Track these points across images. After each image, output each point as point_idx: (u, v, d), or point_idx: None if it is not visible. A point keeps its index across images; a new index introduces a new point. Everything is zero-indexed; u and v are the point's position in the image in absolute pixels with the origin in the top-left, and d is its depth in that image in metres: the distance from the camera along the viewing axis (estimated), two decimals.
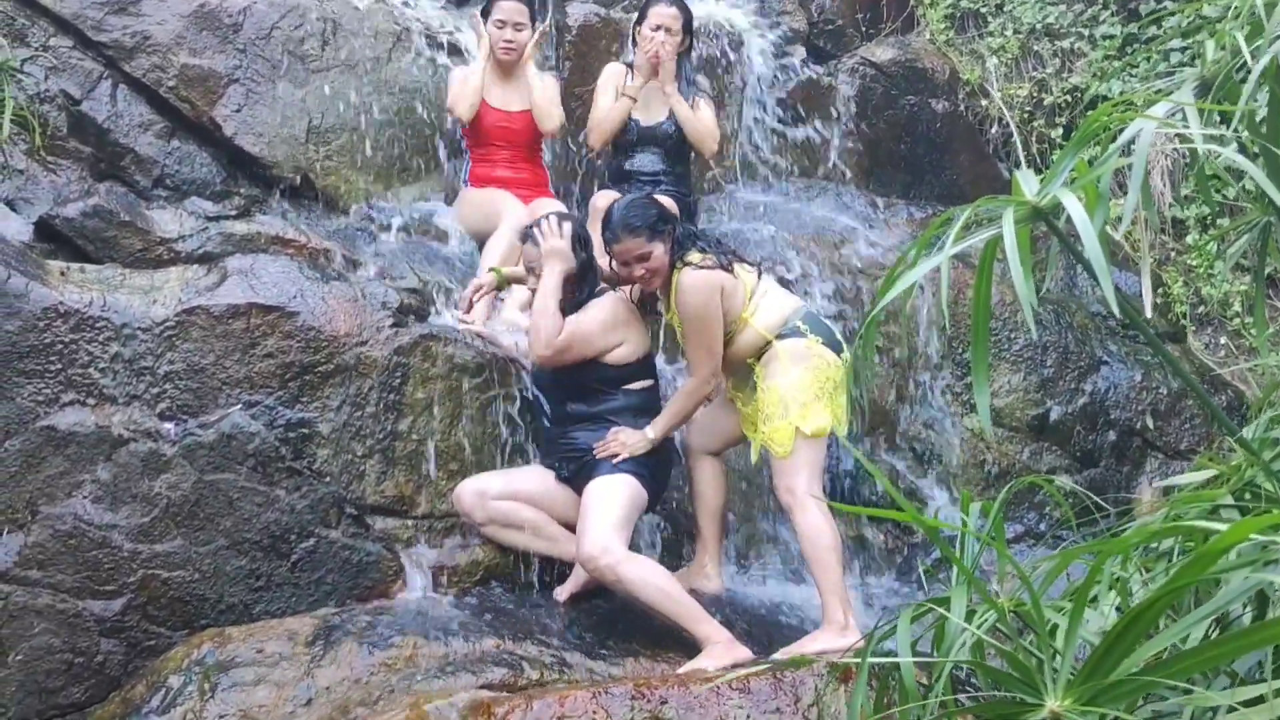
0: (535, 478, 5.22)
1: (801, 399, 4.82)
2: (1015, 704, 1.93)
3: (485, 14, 6.65)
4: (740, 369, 5.08)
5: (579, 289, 5.15)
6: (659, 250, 4.96)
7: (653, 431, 5.00)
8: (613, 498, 4.85)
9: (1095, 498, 3.45)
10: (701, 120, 6.52)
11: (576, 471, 5.02)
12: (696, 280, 4.90)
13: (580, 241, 5.17)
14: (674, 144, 6.60)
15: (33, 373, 4.74)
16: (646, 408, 5.13)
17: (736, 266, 5.00)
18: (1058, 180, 2.21)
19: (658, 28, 6.46)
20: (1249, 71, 2.45)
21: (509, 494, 5.13)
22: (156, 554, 4.78)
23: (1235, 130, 2.52)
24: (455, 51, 7.20)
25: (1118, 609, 2.25)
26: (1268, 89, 2.48)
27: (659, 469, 5.16)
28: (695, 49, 6.91)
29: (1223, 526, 1.81)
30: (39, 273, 4.96)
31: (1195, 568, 1.74)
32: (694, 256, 4.94)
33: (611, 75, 6.64)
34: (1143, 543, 2.23)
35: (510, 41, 6.55)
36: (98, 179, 6.02)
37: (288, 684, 4.30)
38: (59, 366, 4.79)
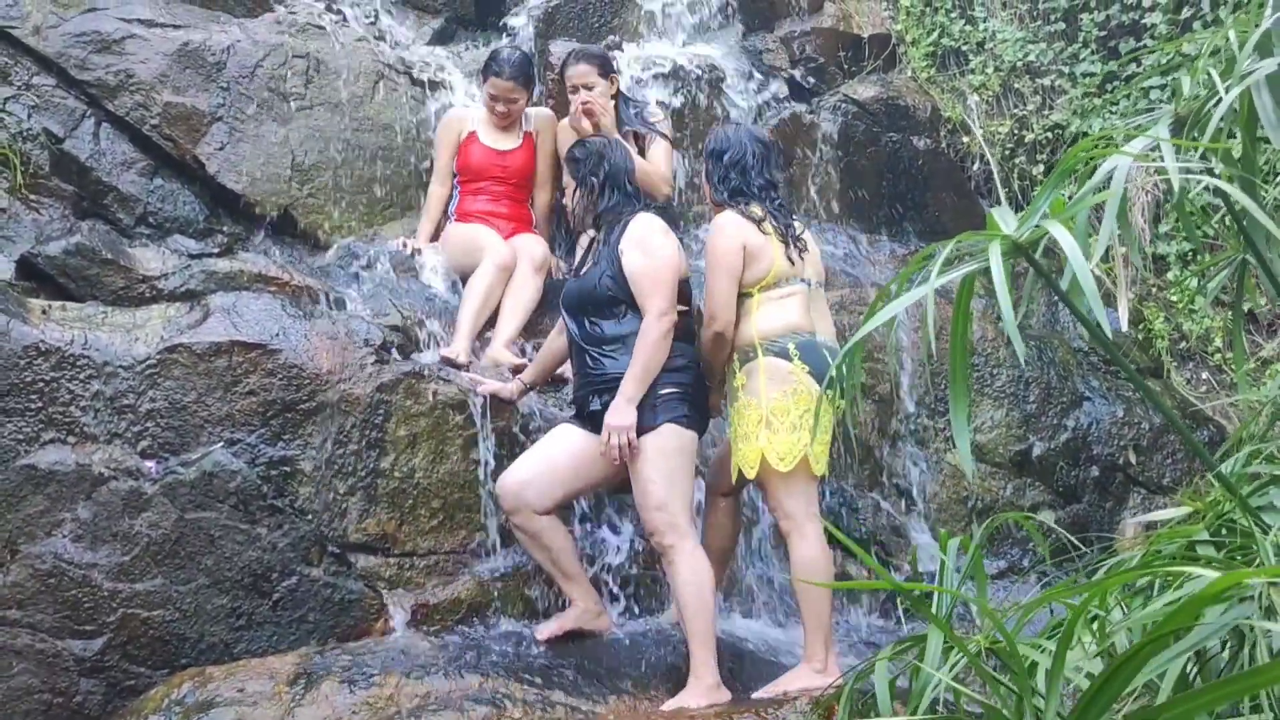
0: (570, 451, 5.04)
1: (775, 424, 4.77)
2: None
3: (483, 76, 6.67)
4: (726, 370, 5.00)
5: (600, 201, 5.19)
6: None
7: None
8: (665, 462, 4.78)
9: (1071, 538, 3.45)
10: (651, 165, 6.48)
11: (608, 403, 4.83)
12: (729, 219, 4.96)
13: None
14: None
15: (13, 411, 4.73)
16: (682, 333, 4.98)
17: (777, 243, 4.95)
18: (1036, 216, 2.22)
19: (575, 89, 6.46)
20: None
21: (549, 485, 4.99)
22: (137, 593, 4.76)
23: (1209, 163, 2.54)
24: (437, 88, 7.22)
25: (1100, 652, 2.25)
26: (1240, 128, 2.50)
27: (696, 394, 5.00)
28: (645, 85, 7.13)
29: (1202, 571, 1.81)
30: (20, 311, 4.95)
31: (1181, 615, 1.74)
32: (755, 210, 4.97)
33: (567, 132, 6.62)
34: (1121, 584, 2.24)
35: (504, 114, 6.60)
36: (80, 217, 6.01)
37: None
38: (40, 405, 4.78)
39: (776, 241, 4.94)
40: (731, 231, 4.92)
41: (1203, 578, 1.95)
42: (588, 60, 6.54)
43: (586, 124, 6.37)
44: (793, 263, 4.96)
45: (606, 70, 6.57)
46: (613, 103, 6.54)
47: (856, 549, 2.12)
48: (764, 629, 5.61)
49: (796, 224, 5.11)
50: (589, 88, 6.45)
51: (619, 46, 7.52)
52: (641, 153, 6.53)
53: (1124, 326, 2.01)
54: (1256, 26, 2.50)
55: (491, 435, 5.43)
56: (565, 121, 6.68)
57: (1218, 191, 2.39)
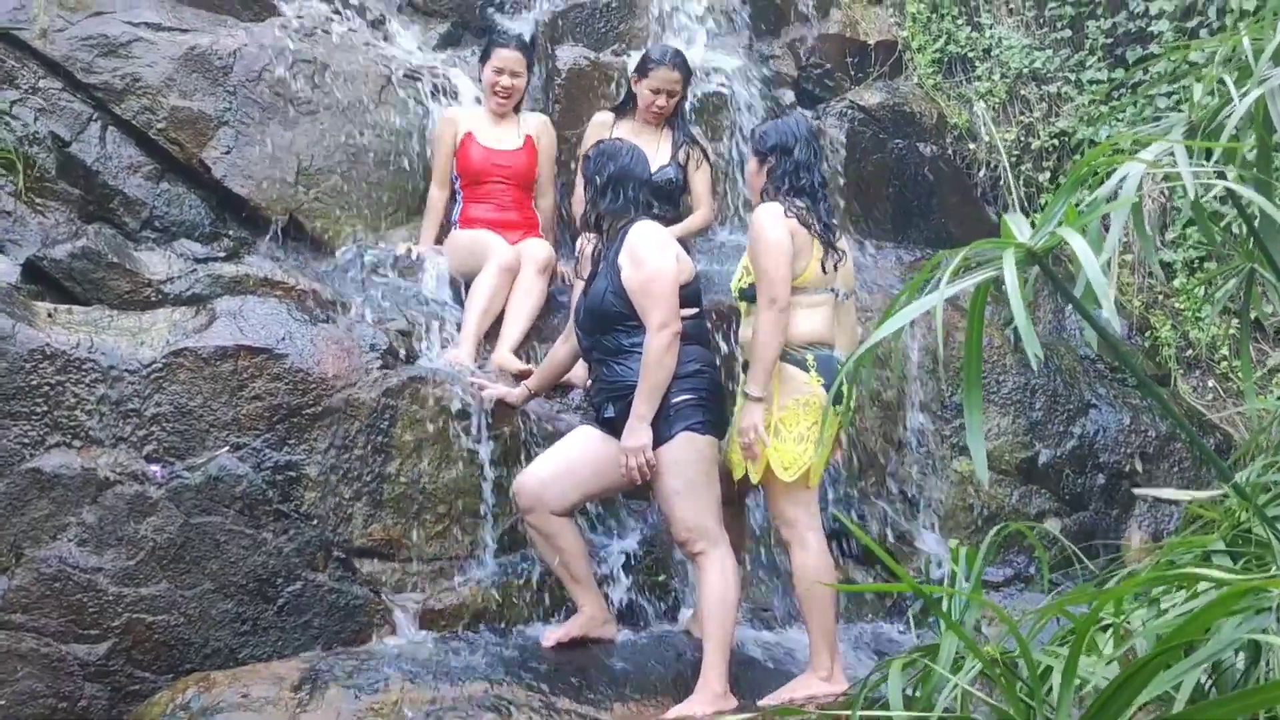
0: (589, 454, 5.01)
1: (783, 433, 4.75)
2: None
3: (484, 58, 6.66)
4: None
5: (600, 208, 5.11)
6: None
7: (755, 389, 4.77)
8: (685, 471, 4.78)
9: (1074, 548, 3.45)
10: (690, 223, 6.45)
11: (622, 410, 4.83)
12: (776, 209, 4.86)
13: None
14: (671, 191, 6.39)
15: (19, 414, 4.72)
16: (694, 336, 4.96)
17: (817, 249, 4.88)
18: (1050, 224, 2.21)
19: (658, 91, 6.33)
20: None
21: (568, 487, 4.97)
22: (142, 597, 4.75)
23: (1221, 169, 2.53)
24: (443, 93, 7.21)
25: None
26: (1254, 133, 2.49)
27: (710, 399, 4.95)
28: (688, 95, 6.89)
29: (1220, 575, 1.80)
30: (26, 314, 4.94)
31: (1193, 625, 1.73)
32: (801, 202, 4.90)
33: (599, 129, 6.45)
34: (1135, 590, 2.22)
35: (507, 88, 6.57)
36: (86, 220, 6.00)
37: None
38: (45, 408, 4.77)
39: (818, 247, 4.90)
40: (779, 219, 4.83)
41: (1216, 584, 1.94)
42: (683, 69, 6.42)
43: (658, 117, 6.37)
44: (826, 272, 4.91)
45: (688, 83, 6.52)
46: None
47: (878, 548, 2.10)
48: (775, 635, 5.60)
49: (837, 231, 5.06)
50: (672, 95, 6.38)
51: (625, 54, 7.49)
52: (684, 170, 6.47)
53: (1108, 311, 1.99)
54: (1272, 35, 2.49)
55: (496, 441, 5.43)
56: (597, 118, 6.61)
57: (1226, 199, 2.38)
